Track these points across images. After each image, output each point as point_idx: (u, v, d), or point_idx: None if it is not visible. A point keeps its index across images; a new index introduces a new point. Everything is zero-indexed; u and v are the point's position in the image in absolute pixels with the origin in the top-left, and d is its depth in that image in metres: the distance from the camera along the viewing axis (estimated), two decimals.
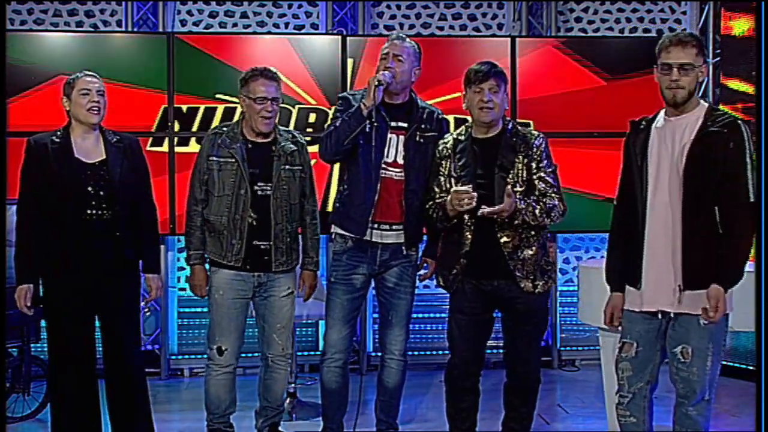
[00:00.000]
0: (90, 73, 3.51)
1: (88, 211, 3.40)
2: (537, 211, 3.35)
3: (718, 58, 5.75)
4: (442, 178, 3.48)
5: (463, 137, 3.47)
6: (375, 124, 3.52)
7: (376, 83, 3.48)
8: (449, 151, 3.47)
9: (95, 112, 3.43)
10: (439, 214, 3.42)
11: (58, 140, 3.42)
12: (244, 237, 3.59)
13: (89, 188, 3.41)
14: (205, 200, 3.65)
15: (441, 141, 3.54)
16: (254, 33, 5.57)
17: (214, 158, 3.62)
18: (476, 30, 5.88)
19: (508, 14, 5.88)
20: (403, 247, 3.66)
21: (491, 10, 5.91)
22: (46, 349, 5.05)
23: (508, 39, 5.43)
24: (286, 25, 5.76)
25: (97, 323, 3.55)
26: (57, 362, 3.47)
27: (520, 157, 3.40)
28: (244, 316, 3.71)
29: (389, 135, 3.59)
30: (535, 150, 3.42)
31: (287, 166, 3.66)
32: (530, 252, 3.39)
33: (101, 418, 3.57)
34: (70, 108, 3.46)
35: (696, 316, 2.92)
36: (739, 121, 2.91)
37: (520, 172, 3.39)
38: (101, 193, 3.42)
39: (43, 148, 3.39)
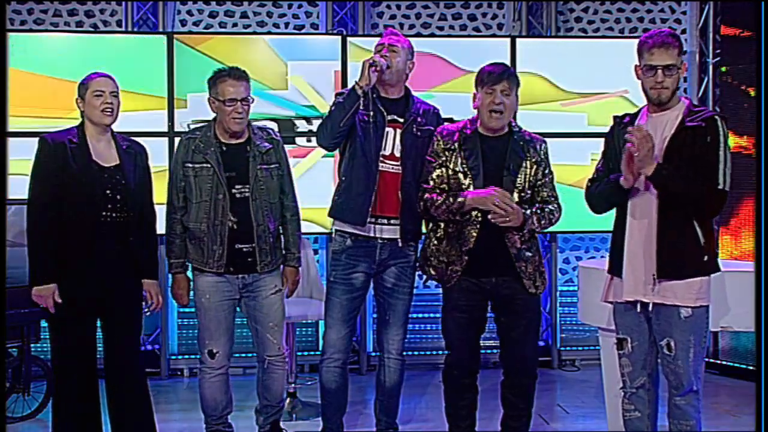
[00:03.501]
0: (104, 74, 3.50)
1: (104, 213, 3.39)
2: (543, 220, 3.43)
3: (718, 58, 5.76)
4: (448, 171, 3.44)
5: (469, 131, 3.47)
6: (372, 113, 3.55)
7: (371, 62, 3.49)
8: (455, 144, 3.46)
9: (108, 113, 3.42)
10: (453, 207, 3.36)
11: (75, 141, 3.41)
12: (225, 242, 3.56)
13: (107, 191, 3.40)
14: (184, 207, 3.62)
15: (445, 131, 3.51)
16: (254, 33, 5.57)
17: (190, 164, 3.59)
18: (476, 30, 5.88)
19: (508, 14, 5.87)
20: (399, 241, 3.64)
21: (491, 10, 5.91)
22: (46, 349, 5.11)
23: (508, 39, 5.44)
24: (286, 25, 5.75)
25: (98, 323, 3.54)
26: (60, 362, 3.46)
27: (528, 162, 3.44)
28: (232, 317, 3.69)
29: (386, 128, 3.60)
30: (541, 156, 3.48)
31: (264, 166, 3.63)
32: (529, 254, 3.44)
33: (101, 419, 3.57)
34: (84, 109, 3.46)
35: (675, 308, 3.03)
36: (717, 117, 3.04)
37: (527, 176, 3.43)
38: (117, 197, 3.42)
39: (62, 147, 3.38)
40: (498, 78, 3.38)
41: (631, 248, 3.09)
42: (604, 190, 3.16)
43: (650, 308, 3.07)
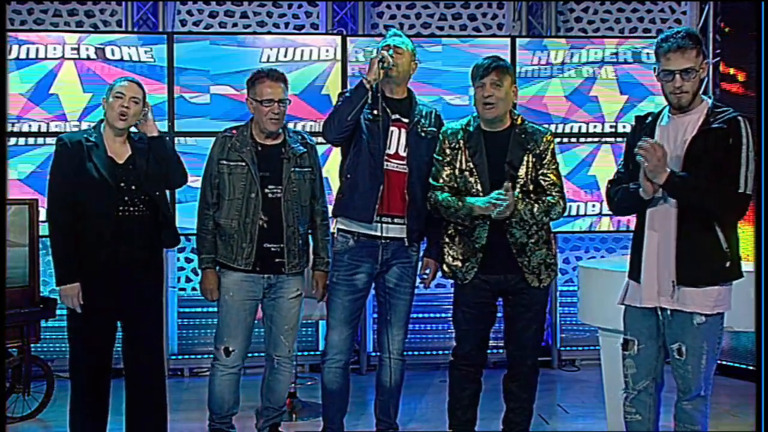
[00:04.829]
0: (132, 79, 3.54)
1: (121, 208, 3.43)
2: (535, 210, 3.41)
3: (718, 58, 5.76)
4: (455, 170, 3.48)
5: (472, 129, 3.49)
6: (376, 112, 3.56)
7: (380, 58, 3.51)
8: (459, 141, 3.48)
9: (123, 118, 3.44)
10: (460, 212, 3.40)
11: (92, 139, 3.44)
12: (254, 240, 3.59)
13: (122, 184, 3.44)
14: (216, 204, 3.65)
15: (449, 130, 3.54)
16: (254, 33, 5.57)
17: (225, 162, 3.62)
18: (476, 30, 5.88)
19: (508, 14, 5.88)
20: (405, 240, 3.66)
21: (491, 10, 5.91)
22: (46, 349, 5.14)
23: (508, 39, 5.44)
24: (286, 25, 5.76)
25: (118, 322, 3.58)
26: (74, 360, 3.49)
27: (529, 155, 3.44)
28: (252, 317, 3.71)
29: (391, 128, 3.62)
30: (542, 148, 3.47)
31: (297, 169, 3.67)
32: (536, 248, 3.45)
33: (107, 419, 3.58)
34: (105, 108, 3.49)
35: (690, 314, 2.97)
36: (740, 117, 2.93)
37: (529, 169, 3.44)
38: (132, 187, 3.45)
39: (79, 146, 3.41)
40: (486, 71, 3.40)
41: (649, 255, 3.04)
42: (625, 199, 3.09)
43: (669, 313, 3.01)
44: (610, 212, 3.31)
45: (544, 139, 3.49)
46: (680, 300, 2.97)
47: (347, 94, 3.59)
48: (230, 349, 3.66)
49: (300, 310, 3.78)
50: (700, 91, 3.01)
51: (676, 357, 3.02)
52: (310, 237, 3.82)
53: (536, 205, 3.41)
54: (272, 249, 3.62)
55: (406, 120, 3.65)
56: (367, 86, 3.52)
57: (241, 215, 3.59)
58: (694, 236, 2.95)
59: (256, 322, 3.76)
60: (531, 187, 3.44)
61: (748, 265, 3.64)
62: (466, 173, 3.45)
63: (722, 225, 2.96)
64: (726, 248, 2.96)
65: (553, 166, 3.50)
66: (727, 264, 2.98)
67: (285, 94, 3.63)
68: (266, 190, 3.61)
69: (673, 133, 3.01)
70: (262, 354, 3.84)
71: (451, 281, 3.59)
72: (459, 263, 3.48)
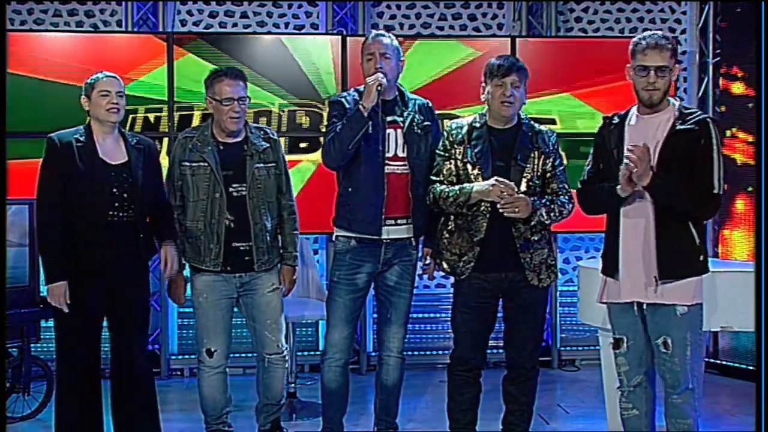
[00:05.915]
0: (111, 74, 3.52)
1: (111, 212, 3.42)
2: (552, 213, 3.43)
3: (718, 59, 5.76)
4: (457, 163, 3.48)
5: (478, 125, 3.50)
6: (371, 121, 3.53)
7: (378, 87, 3.47)
8: (464, 137, 3.49)
9: (114, 111, 3.45)
10: (459, 199, 3.41)
11: (82, 139, 3.43)
12: (221, 240, 3.57)
13: (114, 190, 3.43)
14: (181, 206, 3.63)
15: (454, 125, 3.55)
16: (254, 33, 5.57)
17: (187, 163, 3.60)
18: (476, 30, 5.88)
19: (508, 14, 5.88)
20: (412, 240, 3.67)
21: (491, 10, 5.91)
22: (46, 349, 5.13)
23: (508, 39, 5.45)
24: (286, 25, 5.75)
25: (104, 323, 3.56)
26: (63, 361, 3.48)
27: (536, 152, 3.46)
28: (229, 316, 3.70)
29: (387, 130, 3.60)
30: (550, 147, 3.50)
31: (261, 165, 3.64)
32: (539, 246, 3.45)
33: (103, 419, 3.58)
34: (90, 108, 3.48)
35: (672, 306, 3.04)
36: (709, 119, 3.06)
37: (536, 167, 3.45)
38: (125, 195, 3.44)
39: (69, 147, 3.40)
40: (507, 71, 3.40)
41: (627, 249, 3.10)
42: (600, 197, 3.16)
43: (645, 307, 3.09)
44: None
45: (552, 139, 3.51)
46: (661, 294, 3.05)
47: (344, 122, 3.50)
48: (212, 349, 3.65)
49: (279, 303, 3.75)
50: (678, 91, 3.09)
51: (662, 351, 3.07)
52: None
53: (552, 205, 3.43)
54: (240, 248, 3.60)
55: (400, 119, 3.63)
56: (365, 114, 3.46)
57: (207, 216, 3.57)
58: (671, 232, 3.04)
59: (241, 320, 3.74)
60: (538, 185, 3.45)
61: (748, 265, 3.65)
62: (468, 165, 3.45)
63: (694, 221, 3.07)
64: (698, 242, 3.07)
65: (561, 168, 3.52)
66: (701, 257, 3.09)
67: (245, 91, 3.61)
68: (230, 189, 3.58)
69: (643, 134, 3.07)
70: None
71: (452, 281, 3.58)
72: (456, 257, 3.48)
